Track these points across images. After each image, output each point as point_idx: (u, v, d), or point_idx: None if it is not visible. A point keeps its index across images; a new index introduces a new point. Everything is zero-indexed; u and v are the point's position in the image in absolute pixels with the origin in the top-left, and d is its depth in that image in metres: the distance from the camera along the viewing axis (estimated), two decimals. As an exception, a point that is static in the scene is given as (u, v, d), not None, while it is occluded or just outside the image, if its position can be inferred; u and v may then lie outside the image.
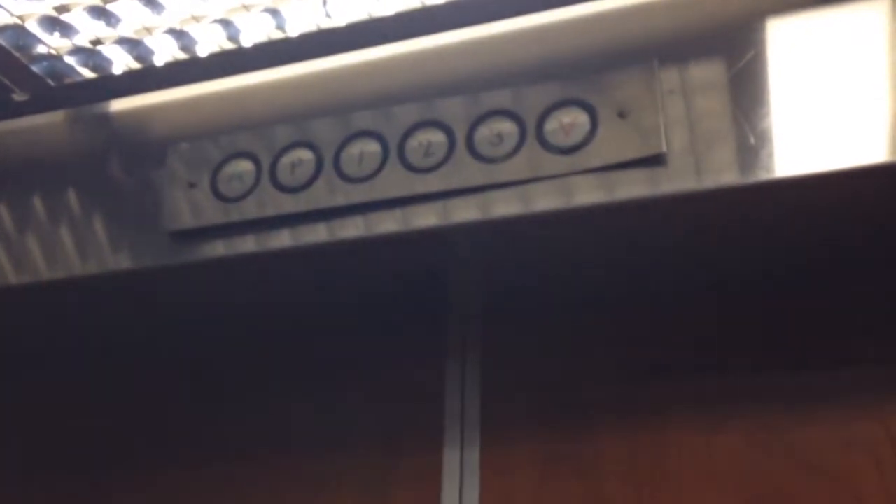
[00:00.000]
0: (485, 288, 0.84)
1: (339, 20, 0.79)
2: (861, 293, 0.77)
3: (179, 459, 0.91)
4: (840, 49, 0.66)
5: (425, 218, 0.71)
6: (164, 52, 0.82)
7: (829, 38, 0.66)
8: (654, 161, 0.67)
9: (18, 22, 0.79)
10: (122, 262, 0.79)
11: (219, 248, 0.76)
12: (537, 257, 0.76)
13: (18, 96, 0.86)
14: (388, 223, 0.72)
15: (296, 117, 0.78)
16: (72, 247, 0.80)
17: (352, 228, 0.73)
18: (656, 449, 0.77)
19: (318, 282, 0.82)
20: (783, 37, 0.68)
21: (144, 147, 0.83)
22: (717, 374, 0.78)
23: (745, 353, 0.79)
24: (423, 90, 0.75)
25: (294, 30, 0.80)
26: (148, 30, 0.80)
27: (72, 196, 0.83)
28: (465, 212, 0.70)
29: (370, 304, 0.86)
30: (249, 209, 0.75)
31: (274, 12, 0.78)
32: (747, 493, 0.73)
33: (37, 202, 0.83)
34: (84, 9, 0.79)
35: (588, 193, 0.68)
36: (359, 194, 0.73)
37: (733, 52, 0.68)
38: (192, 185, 0.78)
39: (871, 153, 0.62)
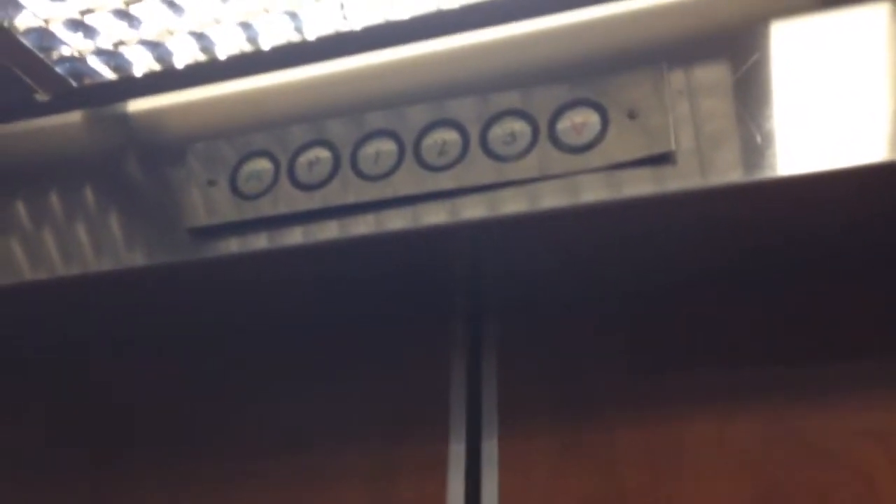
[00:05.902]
0: (501, 284, 0.86)
1: (356, 23, 0.81)
2: (871, 285, 0.78)
3: (188, 453, 0.92)
4: (842, 51, 0.68)
5: (436, 215, 0.73)
6: (185, 54, 0.84)
7: (831, 41, 0.69)
8: (663, 160, 0.69)
9: (43, 24, 0.81)
10: (140, 258, 0.80)
11: (235, 245, 0.77)
12: (550, 253, 0.78)
13: (41, 96, 0.87)
14: (398, 220, 0.74)
15: (313, 117, 0.79)
16: (89, 244, 0.82)
17: (362, 226, 0.74)
18: (671, 440, 0.78)
19: (330, 278, 0.83)
20: (787, 39, 0.70)
21: (163, 146, 0.84)
22: (731, 365, 0.79)
23: (758, 344, 0.80)
24: (439, 91, 0.77)
25: (312, 32, 0.82)
26: (169, 32, 0.82)
27: (91, 194, 0.84)
28: (475, 209, 0.72)
29: (380, 299, 0.87)
30: (267, 207, 0.77)
31: (293, 15, 0.80)
32: (761, 481, 0.74)
33: (57, 200, 0.85)
34: (108, 11, 0.80)
35: (597, 191, 0.70)
36: (374, 192, 0.74)
37: (739, 54, 0.70)
38: (211, 184, 0.80)
39: (875, 152, 0.65)
